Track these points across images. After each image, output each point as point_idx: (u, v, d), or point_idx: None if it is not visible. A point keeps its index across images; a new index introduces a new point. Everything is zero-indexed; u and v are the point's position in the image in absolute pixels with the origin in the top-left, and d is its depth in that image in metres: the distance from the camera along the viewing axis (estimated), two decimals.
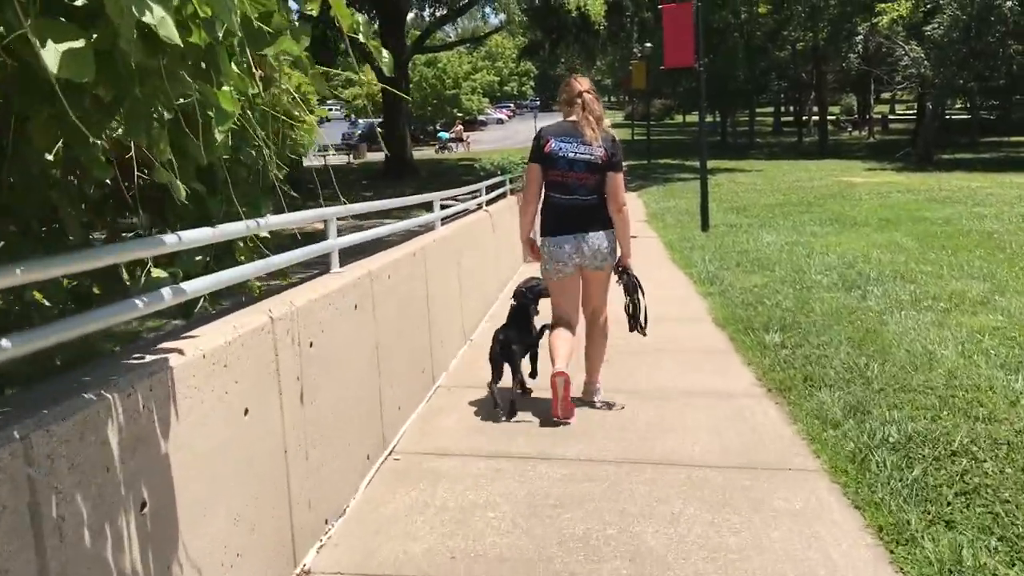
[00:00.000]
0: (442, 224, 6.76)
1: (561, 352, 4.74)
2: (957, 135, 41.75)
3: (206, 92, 2.14)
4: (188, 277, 2.84)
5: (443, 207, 7.01)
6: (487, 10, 28.69)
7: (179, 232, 2.53)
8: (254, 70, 2.15)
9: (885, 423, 4.46)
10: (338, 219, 4.23)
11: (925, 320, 6.82)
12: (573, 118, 4.75)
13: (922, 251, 10.72)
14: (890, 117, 61.28)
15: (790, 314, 7.23)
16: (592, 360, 5.06)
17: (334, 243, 4.08)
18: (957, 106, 52.13)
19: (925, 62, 30.69)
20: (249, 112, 3.26)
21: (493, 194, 9.93)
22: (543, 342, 5.18)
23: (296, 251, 3.56)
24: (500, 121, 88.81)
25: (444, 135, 52.41)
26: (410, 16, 34.14)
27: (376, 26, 32.52)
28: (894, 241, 11.65)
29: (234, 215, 3.32)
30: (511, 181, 13.11)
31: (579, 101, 4.73)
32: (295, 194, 4.52)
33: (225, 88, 2.16)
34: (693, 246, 12.55)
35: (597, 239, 4.73)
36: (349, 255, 4.81)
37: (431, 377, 5.43)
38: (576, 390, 4.97)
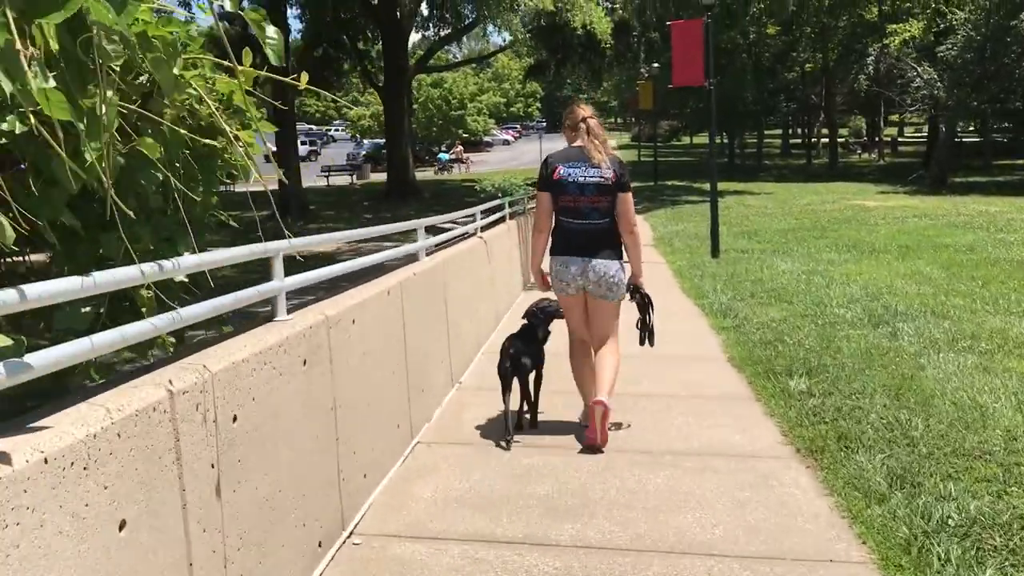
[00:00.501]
0: (428, 254, 6.06)
1: (587, 381, 4.88)
2: (969, 158, 41.03)
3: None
4: (86, 332, 2.18)
5: (435, 233, 6.33)
6: (490, 28, 28.00)
7: (24, 285, 1.86)
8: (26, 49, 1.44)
9: (941, 499, 3.75)
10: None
11: (967, 364, 6.11)
12: (579, 143, 4.78)
13: (950, 282, 10.01)
14: (899, 139, 60.65)
15: (815, 355, 6.52)
16: (603, 381, 4.84)
17: (279, 285, 3.41)
18: (968, 128, 51.57)
19: (938, 83, 30.06)
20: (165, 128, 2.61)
21: (491, 218, 9.26)
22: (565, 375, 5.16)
23: (219, 299, 2.87)
24: (506, 142, 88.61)
25: (444, 156, 51.85)
26: (416, 37, 33.73)
27: (379, 45, 32.15)
28: (918, 270, 10.94)
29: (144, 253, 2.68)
30: (511, 204, 12.46)
31: (583, 126, 4.79)
32: (235, 224, 3.84)
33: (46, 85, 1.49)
34: (704, 273, 11.87)
35: (604, 265, 4.70)
36: (321, 292, 4.14)
37: (408, 433, 4.74)
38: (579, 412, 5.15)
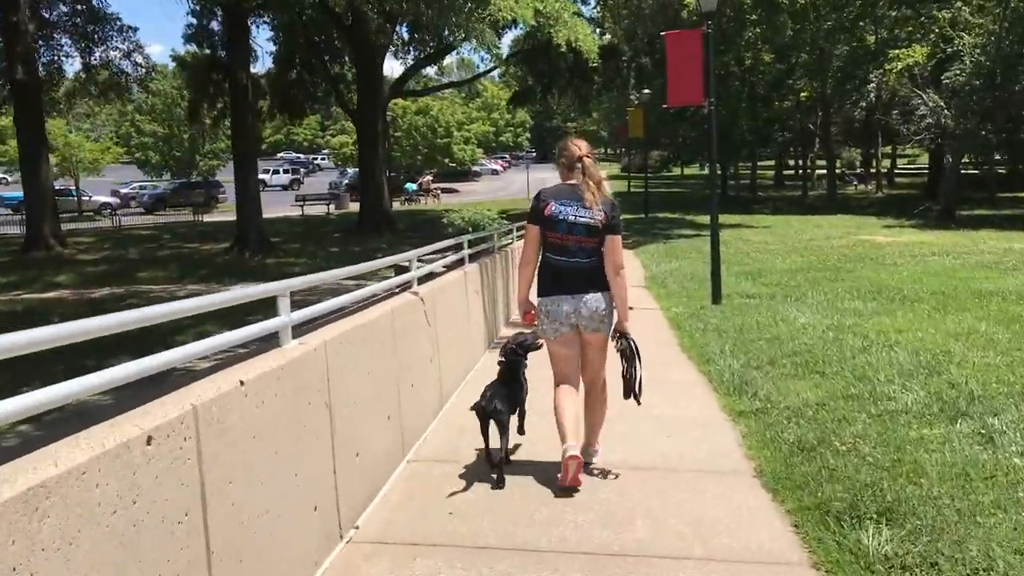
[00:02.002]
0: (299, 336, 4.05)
1: (568, 422, 4.67)
2: (970, 189, 39.34)
3: None
4: None
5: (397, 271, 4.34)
6: (468, 48, 26.23)
7: None
8: None
9: None
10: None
11: None
12: (573, 181, 4.75)
13: (1020, 345, 8.03)
14: (896, 171, 59.20)
15: (886, 476, 4.49)
16: (591, 426, 4.98)
17: None
18: (968, 159, 50.07)
19: (945, 111, 28.36)
20: None
21: (432, 266, 7.23)
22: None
23: None
24: (495, 172, 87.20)
25: (411, 187, 49.44)
26: (395, 64, 31.84)
27: (351, 69, 30.34)
28: (972, 328, 8.95)
29: None
30: (475, 243, 10.48)
31: (579, 166, 4.73)
32: None
33: None
34: (707, 327, 9.88)
35: (595, 300, 4.70)
36: None
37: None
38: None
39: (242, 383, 2.90)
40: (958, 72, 27.69)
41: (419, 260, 6.21)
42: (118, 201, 50.47)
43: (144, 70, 30.92)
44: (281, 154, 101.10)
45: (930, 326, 9.13)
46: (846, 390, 6.44)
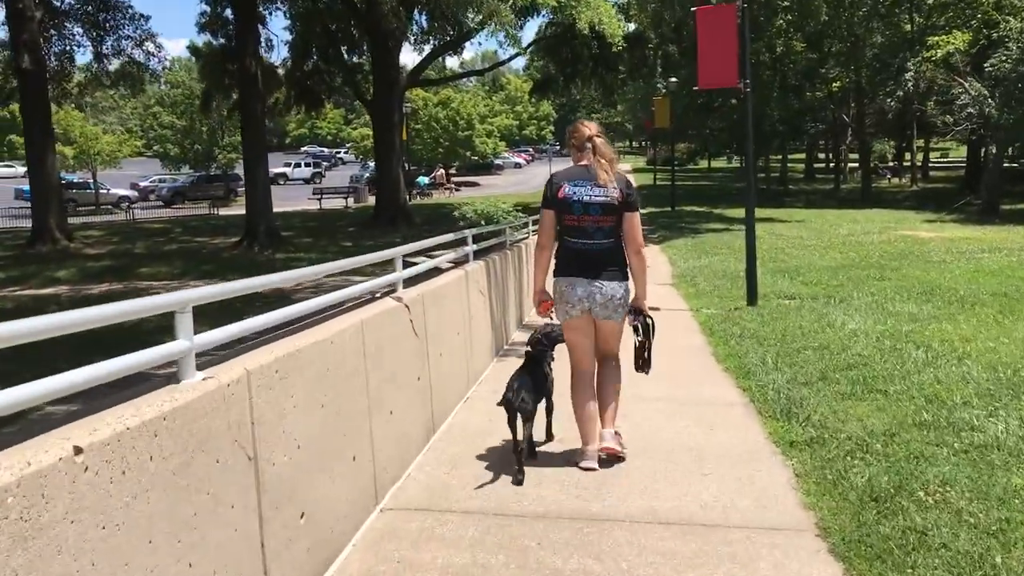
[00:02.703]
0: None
1: (588, 424, 4.71)
2: (1010, 183, 37.67)
3: None
4: None
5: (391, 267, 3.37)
6: (486, 33, 25.15)
7: None
8: None
9: None
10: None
11: None
12: (585, 162, 4.64)
13: None
14: (930, 164, 57.45)
15: (994, 547, 3.44)
16: (605, 407, 4.80)
17: None
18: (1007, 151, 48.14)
19: (989, 100, 26.95)
20: None
21: (427, 264, 6.21)
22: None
23: None
24: (518, 165, 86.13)
25: (423, 180, 47.84)
26: (414, 56, 30.84)
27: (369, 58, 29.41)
28: None
29: None
30: (486, 237, 9.51)
31: (589, 145, 4.63)
32: None
33: None
34: (743, 332, 8.82)
35: (611, 288, 4.60)
36: None
37: None
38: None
39: (78, 451, 1.92)
40: (1004, 58, 26.26)
41: (407, 258, 5.22)
42: (136, 194, 50.00)
43: (157, 60, 30.10)
44: (305, 148, 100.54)
45: (1000, 334, 8.01)
46: (917, 415, 5.37)
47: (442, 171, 53.04)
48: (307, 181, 61.60)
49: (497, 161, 78.65)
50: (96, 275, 17.77)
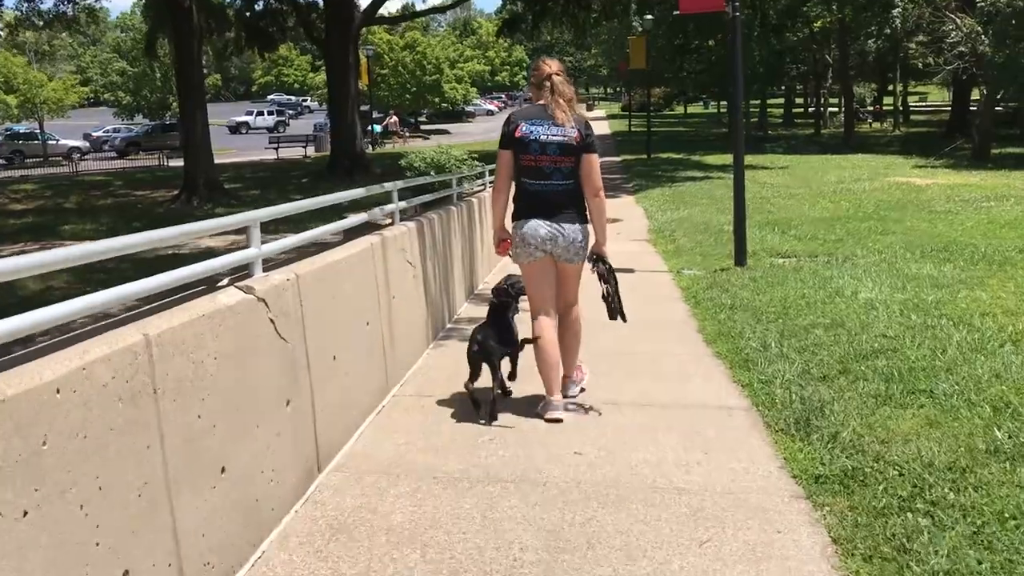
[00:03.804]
0: None
1: (551, 372, 4.62)
2: (997, 127, 36.20)
3: None
4: None
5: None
6: None
7: None
8: None
9: None
10: None
11: None
12: (542, 101, 4.55)
13: None
14: (910, 108, 56.07)
15: None
16: (568, 354, 4.79)
17: None
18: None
19: (982, 37, 25.40)
20: None
21: (319, 230, 4.60)
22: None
23: None
24: (490, 112, 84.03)
25: (376, 128, 44.54)
26: None
27: None
28: None
29: None
30: (435, 188, 7.99)
31: (548, 84, 4.53)
32: None
33: None
34: (735, 302, 7.35)
35: (572, 231, 4.54)
36: None
37: None
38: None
39: None
40: None
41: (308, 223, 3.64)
42: (88, 146, 47.59)
43: None
44: (272, 96, 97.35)
45: None
46: (989, 436, 3.91)
47: (395, 118, 50.18)
48: (270, 130, 59.13)
49: (468, 108, 76.39)
50: (12, 235, 15.98)
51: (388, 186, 5.85)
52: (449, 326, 6.97)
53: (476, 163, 11.45)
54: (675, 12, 10.66)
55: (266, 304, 3.25)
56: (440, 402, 4.89)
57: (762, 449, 4.08)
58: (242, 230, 3.49)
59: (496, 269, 10.08)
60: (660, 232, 13.20)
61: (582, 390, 4.93)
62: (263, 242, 3.54)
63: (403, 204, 6.14)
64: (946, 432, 4.00)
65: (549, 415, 4.52)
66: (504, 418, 4.56)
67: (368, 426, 4.47)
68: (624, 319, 4.85)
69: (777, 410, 4.57)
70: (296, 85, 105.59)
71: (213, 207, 18.78)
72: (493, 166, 11.49)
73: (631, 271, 9.92)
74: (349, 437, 4.21)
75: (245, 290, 3.18)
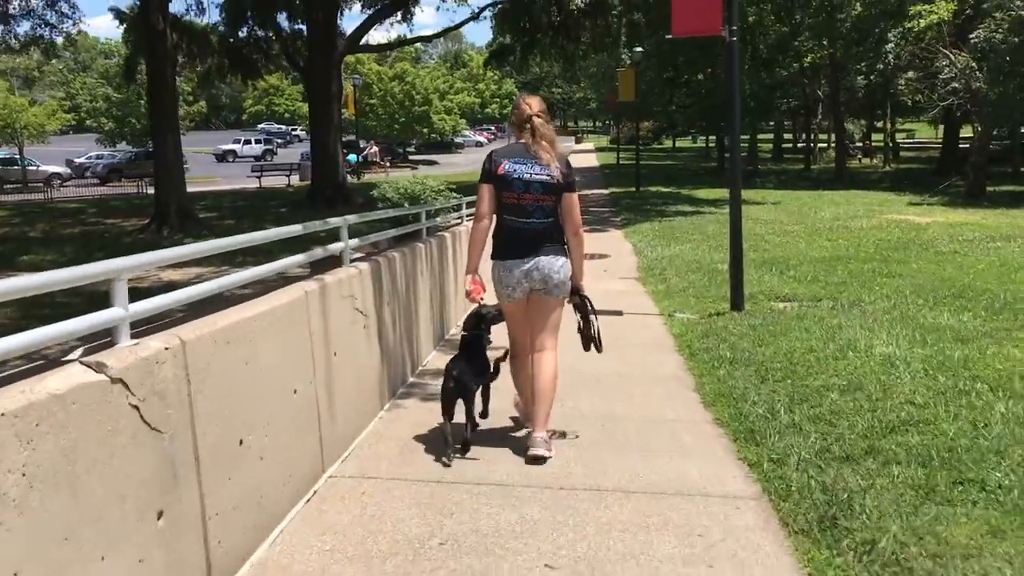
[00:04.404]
0: None
1: (527, 387, 4.62)
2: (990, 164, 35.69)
3: None
4: None
5: None
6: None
7: None
8: None
9: None
10: None
11: None
12: (524, 140, 4.54)
13: None
14: (899, 144, 55.83)
15: None
16: (540, 403, 4.50)
17: None
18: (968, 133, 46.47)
19: (977, 73, 24.93)
20: None
21: (239, 275, 3.75)
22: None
23: None
24: (479, 144, 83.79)
25: (352, 158, 42.12)
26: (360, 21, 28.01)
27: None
28: None
29: None
30: (406, 221, 7.22)
31: (528, 126, 4.52)
32: None
33: None
34: (735, 355, 6.54)
35: (548, 263, 4.47)
36: None
37: None
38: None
39: None
40: (994, 28, 24.23)
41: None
42: (69, 172, 46.65)
43: (71, 22, 27.10)
44: (262, 125, 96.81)
45: None
46: None
47: (375, 148, 49.03)
48: (257, 159, 58.42)
49: (458, 139, 75.98)
50: None
51: (335, 221, 5.01)
52: (412, 380, 6.13)
53: (454, 194, 10.68)
54: (667, 37, 9.93)
55: (126, 385, 2.41)
56: (386, 486, 4.04)
57: (780, 560, 3.25)
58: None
59: (473, 307, 9.27)
60: (650, 270, 12.42)
61: (548, 442, 4.50)
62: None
63: (355, 242, 5.31)
64: (1013, 546, 3.17)
65: (532, 452, 4.40)
66: (474, 470, 3.73)
67: (292, 521, 3.61)
68: (599, 349, 4.83)
69: (794, 501, 3.75)
70: (286, 114, 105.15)
71: (183, 237, 17.92)
72: (472, 198, 10.72)
73: (619, 313, 9.13)
74: (262, 540, 3.34)
75: (94, 368, 2.34)
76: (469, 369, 4.59)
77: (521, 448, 4.52)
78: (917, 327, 7.22)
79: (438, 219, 9.06)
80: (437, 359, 6.87)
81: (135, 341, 2.62)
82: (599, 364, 6.53)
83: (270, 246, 5.69)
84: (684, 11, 9.08)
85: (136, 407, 2.46)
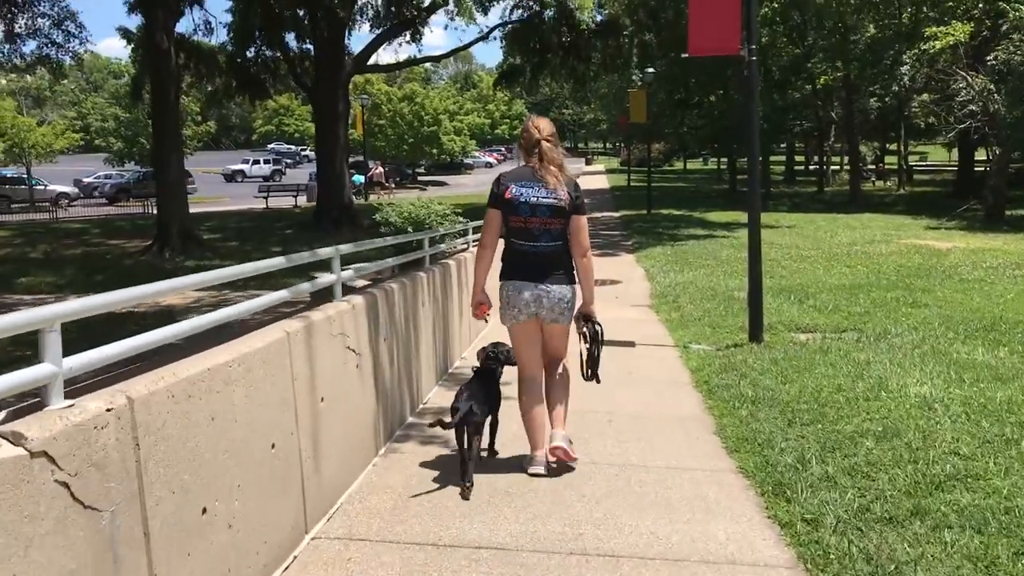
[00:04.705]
0: None
1: (537, 431, 4.59)
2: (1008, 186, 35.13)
3: None
4: None
5: None
6: (443, 14, 22.48)
7: None
8: None
9: None
10: None
11: None
12: (532, 164, 4.53)
13: None
14: (912, 167, 55.30)
15: None
16: (554, 408, 4.62)
17: None
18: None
19: (995, 95, 24.51)
20: None
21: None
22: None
23: None
24: (489, 164, 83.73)
25: (358, 179, 41.43)
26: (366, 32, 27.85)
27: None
28: None
29: None
30: (409, 247, 6.85)
31: (536, 150, 4.51)
32: None
33: None
34: (757, 395, 6.10)
35: (558, 291, 4.51)
36: None
37: None
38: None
39: None
40: (1013, 50, 23.81)
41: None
42: (77, 191, 46.55)
43: (78, 41, 26.90)
44: (272, 145, 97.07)
45: None
46: None
47: (380, 169, 48.44)
48: (266, 179, 58.39)
49: (467, 160, 75.84)
50: None
51: (325, 252, 4.59)
52: (411, 420, 5.71)
53: (460, 219, 10.29)
54: (682, 56, 9.56)
55: (51, 459, 2.01)
56: (376, 550, 3.60)
57: None
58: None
59: (478, 339, 8.85)
60: (663, 297, 12.01)
61: (570, 442, 4.62)
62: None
63: (348, 273, 4.91)
64: None
65: (532, 470, 4.52)
66: (475, 530, 3.30)
67: None
68: (598, 380, 4.84)
69: (833, 572, 3.32)
70: (296, 134, 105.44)
71: (185, 259, 17.60)
72: (478, 223, 10.35)
73: (632, 344, 8.72)
74: None
75: (9, 439, 1.94)
76: (481, 397, 4.50)
77: (526, 505, 4.10)
78: (951, 363, 6.77)
79: (443, 245, 8.66)
80: (440, 396, 6.46)
81: (69, 402, 2.21)
82: (612, 403, 6.11)
83: (261, 273, 5.29)
84: (701, 29, 8.71)
85: (65, 484, 2.05)
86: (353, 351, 4.50)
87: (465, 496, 4.19)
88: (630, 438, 5.33)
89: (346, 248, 4.82)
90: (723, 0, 8.56)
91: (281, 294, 4.02)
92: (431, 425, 4.47)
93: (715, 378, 6.84)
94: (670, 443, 5.23)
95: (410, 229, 9.63)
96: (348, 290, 4.95)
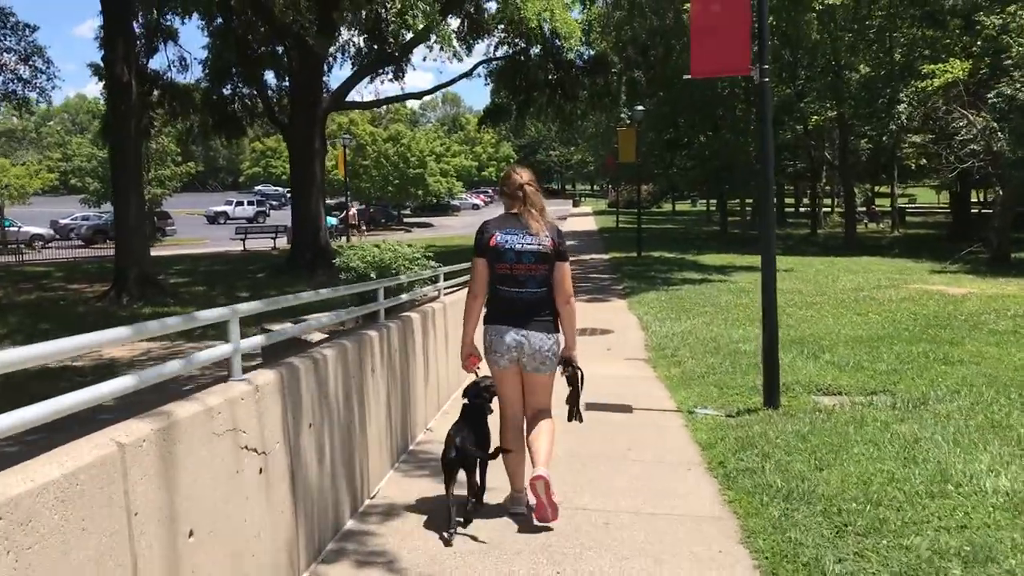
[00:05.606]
0: None
1: (518, 469, 4.64)
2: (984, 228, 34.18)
3: None
4: None
5: None
6: (425, 49, 21.56)
7: None
8: None
9: None
10: None
11: None
12: (515, 210, 4.58)
13: None
14: (905, 208, 54.69)
15: None
16: (537, 450, 4.47)
17: None
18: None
19: (998, 134, 23.63)
20: None
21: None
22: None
23: None
24: (475, 206, 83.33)
25: (331, 220, 39.54)
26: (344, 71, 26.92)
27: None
28: None
29: None
30: (390, 293, 5.61)
31: (520, 195, 4.56)
32: None
33: None
34: (789, 487, 4.87)
35: (539, 340, 4.47)
36: None
37: None
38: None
39: None
40: (1018, 87, 22.96)
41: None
42: (53, 233, 45.23)
43: (46, 77, 25.86)
44: (259, 187, 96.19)
45: None
46: None
47: (354, 211, 47.13)
48: (250, 220, 57.23)
49: (454, 201, 75.09)
50: None
51: (213, 314, 3.31)
52: (350, 526, 4.44)
53: (431, 263, 9.08)
54: (685, 76, 8.44)
55: None
56: None
57: None
58: None
59: (448, 403, 7.60)
60: (660, 349, 10.81)
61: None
62: None
63: (257, 339, 3.67)
64: None
65: (513, 509, 4.60)
66: None
67: None
68: (580, 419, 4.77)
69: None
70: (283, 176, 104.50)
71: (142, 306, 16.30)
72: (450, 268, 9.07)
73: (628, 409, 7.50)
74: None
75: None
76: (472, 438, 4.46)
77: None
78: (1020, 441, 5.55)
79: (404, 296, 7.43)
80: (393, 484, 5.20)
81: None
82: (608, 495, 4.90)
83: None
84: (706, 49, 7.62)
85: None
86: (254, 451, 3.25)
87: (447, 541, 4.12)
88: (632, 552, 4.10)
89: (247, 307, 3.56)
90: (731, 16, 7.49)
91: (125, 381, 2.75)
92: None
93: (732, 458, 5.62)
94: (685, 560, 3.98)
95: (373, 275, 8.45)
96: (277, 354, 3.72)
